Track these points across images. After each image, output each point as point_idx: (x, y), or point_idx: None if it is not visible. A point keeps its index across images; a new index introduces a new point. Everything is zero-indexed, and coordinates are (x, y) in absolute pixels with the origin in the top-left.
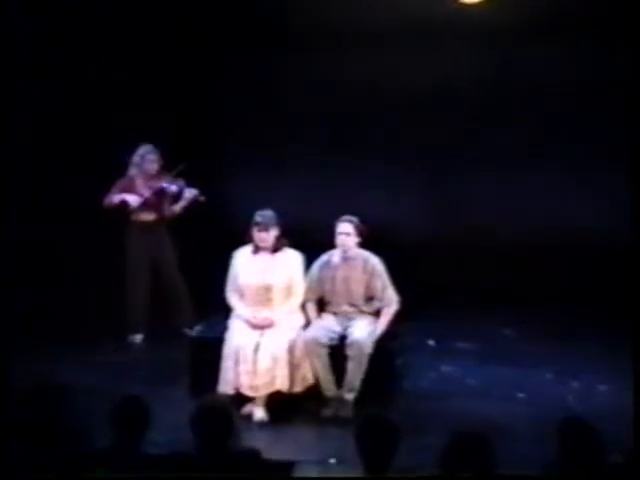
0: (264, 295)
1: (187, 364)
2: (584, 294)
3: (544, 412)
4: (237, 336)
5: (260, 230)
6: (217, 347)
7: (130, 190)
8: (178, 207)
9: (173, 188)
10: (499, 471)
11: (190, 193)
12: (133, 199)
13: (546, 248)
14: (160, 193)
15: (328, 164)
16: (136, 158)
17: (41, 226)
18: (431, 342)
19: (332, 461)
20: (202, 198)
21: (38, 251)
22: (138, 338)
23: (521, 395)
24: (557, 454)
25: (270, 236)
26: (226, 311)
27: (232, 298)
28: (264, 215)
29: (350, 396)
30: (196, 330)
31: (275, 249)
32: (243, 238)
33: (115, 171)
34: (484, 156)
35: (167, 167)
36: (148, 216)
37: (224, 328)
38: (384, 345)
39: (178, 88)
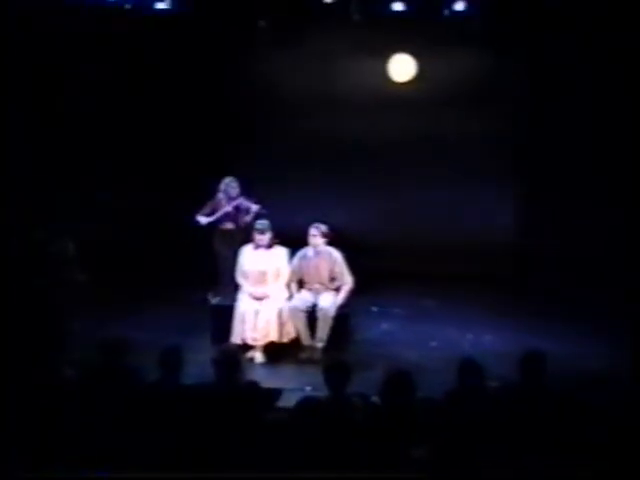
0: (261, 277)
1: (209, 323)
2: (476, 275)
3: (448, 355)
4: (243, 304)
5: (259, 233)
6: (229, 312)
7: (217, 207)
8: (248, 218)
9: (245, 205)
10: (417, 395)
11: (255, 208)
12: (204, 220)
13: (450, 242)
14: (237, 209)
15: (309, 187)
16: (222, 186)
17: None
18: (374, 309)
19: (308, 388)
20: (263, 211)
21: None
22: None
23: (433, 344)
24: (456, 383)
25: (266, 237)
26: (235, 287)
27: (240, 279)
28: (262, 224)
29: (320, 345)
30: (215, 299)
31: (269, 246)
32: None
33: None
34: (415, 180)
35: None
36: (229, 225)
37: (234, 299)
38: (342, 311)
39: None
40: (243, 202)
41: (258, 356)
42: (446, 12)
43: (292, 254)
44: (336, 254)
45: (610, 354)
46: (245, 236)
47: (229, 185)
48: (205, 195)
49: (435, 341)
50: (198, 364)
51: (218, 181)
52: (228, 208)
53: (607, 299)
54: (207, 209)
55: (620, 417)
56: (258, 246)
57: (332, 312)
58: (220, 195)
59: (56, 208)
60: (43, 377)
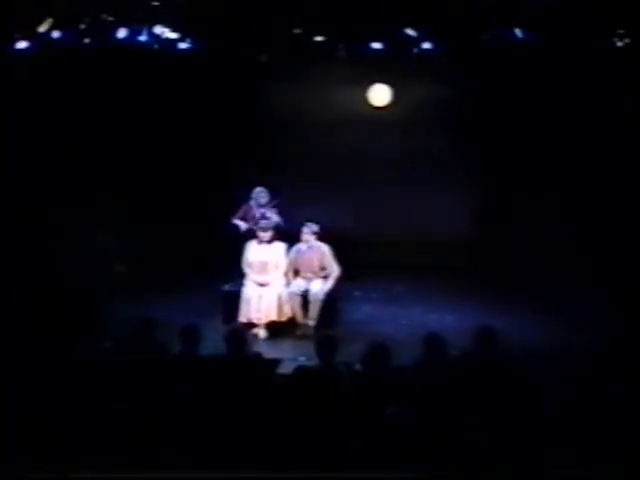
0: (263, 267)
1: (221, 305)
2: (440, 264)
3: (417, 331)
4: (248, 290)
5: (262, 231)
6: (237, 296)
7: (249, 212)
8: (273, 225)
9: (269, 213)
10: (392, 364)
11: (276, 217)
12: (241, 224)
13: (419, 238)
14: (263, 216)
15: (304, 193)
16: (254, 194)
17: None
18: (357, 293)
19: (302, 359)
20: (281, 222)
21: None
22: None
23: (405, 322)
24: (423, 354)
25: (267, 234)
26: (242, 276)
27: (246, 268)
28: (265, 223)
29: (312, 323)
30: (227, 286)
31: (270, 241)
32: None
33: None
34: (391, 186)
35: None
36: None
37: (242, 285)
38: (330, 295)
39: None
40: (268, 210)
41: (261, 332)
42: (416, 50)
43: (289, 248)
44: (325, 248)
45: (548, 329)
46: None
47: (259, 194)
48: (216, 203)
49: (406, 320)
50: (213, 339)
51: (250, 189)
52: (257, 214)
53: (549, 285)
54: (240, 214)
55: (556, 381)
56: (261, 241)
57: (321, 296)
58: (251, 202)
59: (98, 209)
60: (87, 350)
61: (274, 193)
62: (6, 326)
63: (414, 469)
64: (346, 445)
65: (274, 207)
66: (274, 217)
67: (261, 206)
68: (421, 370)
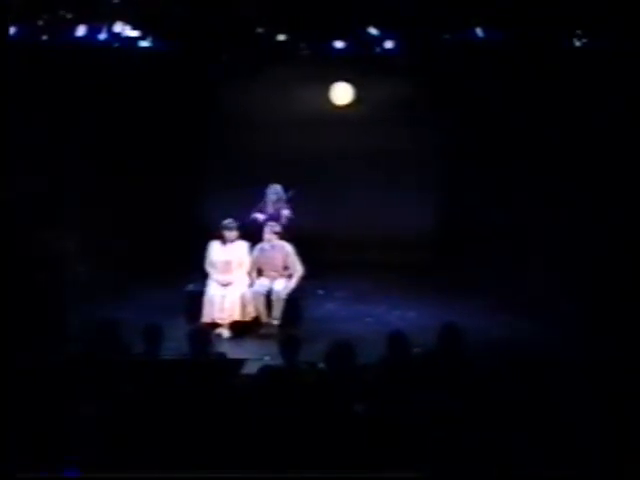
0: (226, 266)
1: (184, 306)
2: (403, 263)
3: (380, 328)
4: (212, 290)
5: (227, 230)
6: (201, 296)
7: (264, 208)
8: (284, 220)
9: (283, 209)
10: (356, 362)
11: (286, 213)
12: (260, 216)
13: (382, 236)
14: (277, 212)
15: (265, 192)
16: (269, 191)
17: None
18: (320, 292)
19: (267, 358)
20: (292, 217)
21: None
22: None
23: (369, 319)
24: (387, 351)
25: (232, 234)
26: (205, 276)
27: (209, 268)
28: (230, 222)
29: (276, 322)
30: (190, 286)
31: (233, 240)
32: (214, 234)
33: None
34: (353, 184)
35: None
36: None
37: (205, 285)
38: (294, 294)
39: None
40: (282, 207)
41: (225, 332)
42: (377, 49)
43: (252, 247)
44: (288, 247)
45: (510, 325)
46: (284, 235)
47: (273, 191)
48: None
49: (369, 317)
50: (175, 340)
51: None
52: (270, 210)
53: (508, 281)
54: (256, 210)
55: (518, 375)
56: (225, 241)
57: (285, 295)
58: (266, 199)
59: (58, 210)
60: (44, 355)
61: (287, 189)
62: None
63: (381, 467)
64: (311, 444)
65: (288, 203)
66: (284, 212)
67: (274, 203)
68: (385, 367)
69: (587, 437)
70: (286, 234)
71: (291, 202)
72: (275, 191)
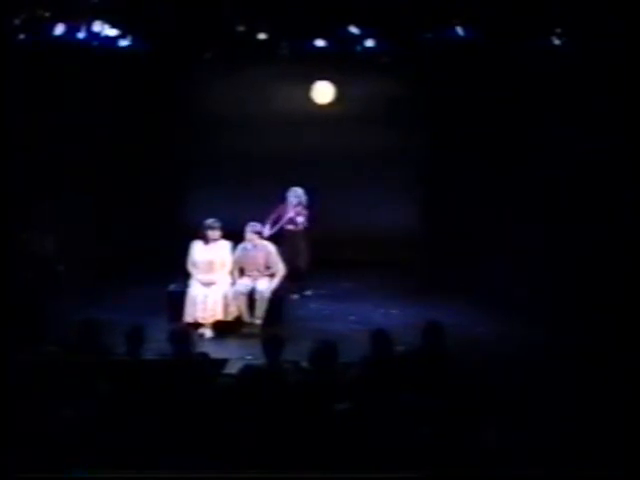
0: (209, 266)
1: (166, 305)
2: (387, 261)
3: (364, 327)
4: (194, 289)
5: (210, 230)
6: (182, 296)
7: (284, 210)
8: (300, 223)
9: (300, 213)
10: (340, 361)
11: (301, 218)
12: (266, 231)
13: (366, 235)
14: (296, 215)
15: (245, 191)
16: (290, 194)
17: None
18: (308, 293)
19: (249, 357)
20: (305, 221)
21: None
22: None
23: (352, 318)
24: (370, 349)
25: (215, 233)
26: (187, 276)
27: (191, 268)
28: (213, 221)
29: (258, 321)
30: (171, 286)
31: (216, 240)
32: (197, 233)
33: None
34: (336, 183)
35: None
36: (290, 227)
37: (186, 285)
38: (276, 293)
39: None
40: (301, 210)
41: (207, 332)
42: (358, 47)
43: (234, 247)
44: (270, 247)
45: (492, 323)
46: (302, 236)
47: (292, 194)
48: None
49: (353, 316)
50: (157, 340)
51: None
52: (291, 213)
53: (491, 280)
54: (275, 214)
55: (501, 374)
56: (208, 240)
57: (267, 294)
58: (286, 201)
59: (38, 211)
60: (27, 356)
61: (308, 192)
62: None
63: (366, 467)
64: (295, 443)
65: (307, 207)
66: (300, 217)
67: (294, 206)
68: (368, 365)
69: (571, 432)
70: (306, 235)
71: (311, 207)
72: (296, 194)
